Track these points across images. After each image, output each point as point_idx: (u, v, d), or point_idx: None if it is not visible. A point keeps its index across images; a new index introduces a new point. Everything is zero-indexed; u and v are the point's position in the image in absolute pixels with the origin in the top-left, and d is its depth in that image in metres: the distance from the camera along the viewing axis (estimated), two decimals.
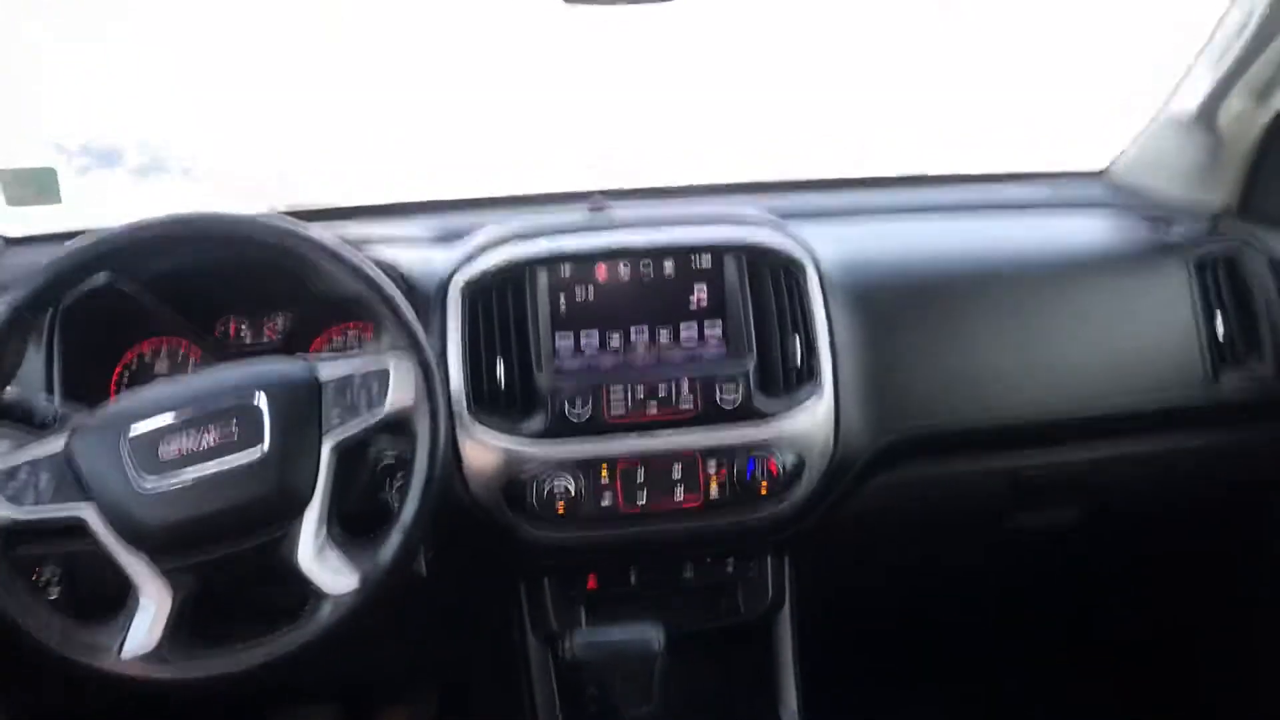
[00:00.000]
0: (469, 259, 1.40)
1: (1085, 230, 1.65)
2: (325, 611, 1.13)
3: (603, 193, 1.57)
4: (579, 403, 1.36)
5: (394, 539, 1.15)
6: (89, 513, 1.10)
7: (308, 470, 1.13)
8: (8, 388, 1.18)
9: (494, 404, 1.37)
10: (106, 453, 1.10)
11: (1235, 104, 1.56)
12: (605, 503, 1.37)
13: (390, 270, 1.37)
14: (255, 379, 1.15)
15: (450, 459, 1.31)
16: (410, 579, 1.19)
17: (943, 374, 1.48)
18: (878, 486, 1.49)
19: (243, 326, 1.50)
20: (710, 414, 1.38)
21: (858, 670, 1.79)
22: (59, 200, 1.52)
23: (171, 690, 1.12)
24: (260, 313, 1.50)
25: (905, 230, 1.65)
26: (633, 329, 1.41)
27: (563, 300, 1.40)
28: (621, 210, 1.50)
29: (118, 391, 1.46)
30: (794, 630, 1.54)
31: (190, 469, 1.10)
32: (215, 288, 1.44)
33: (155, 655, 1.11)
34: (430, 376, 1.16)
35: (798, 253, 1.44)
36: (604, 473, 1.37)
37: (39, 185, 1.52)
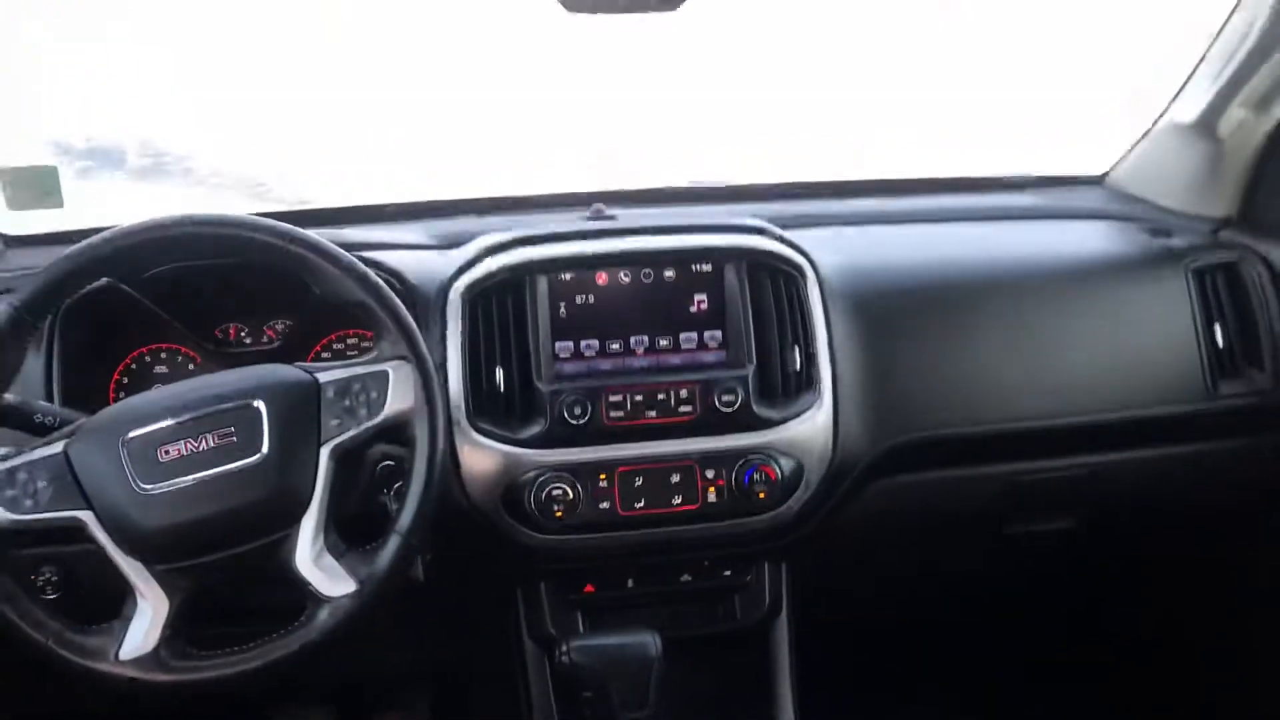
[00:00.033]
0: (469, 264, 1.40)
1: (1085, 238, 1.65)
2: (322, 616, 1.13)
3: (603, 196, 1.58)
4: (578, 408, 1.36)
5: (392, 544, 1.15)
6: (87, 517, 1.10)
7: (306, 475, 1.13)
8: (7, 391, 1.17)
9: (493, 409, 1.37)
10: (105, 457, 1.10)
11: (1236, 114, 1.57)
12: (603, 508, 1.37)
13: (390, 275, 1.37)
14: (254, 384, 1.15)
15: (449, 464, 1.31)
16: (408, 583, 1.19)
17: (941, 381, 1.48)
18: (876, 493, 1.49)
19: (242, 331, 1.50)
20: (709, 420, 1.38)
21: (855, 676, 1.79)
22: (61, 204, 1.52)
23: (168, 693, 1.12)
24: (260, 317, 1.50)
25: (905, 238, 1.65)
26: (632, 335, 1.41)
27: (563, 306, 1.40)
28: (622, 216, 1.50)
29: (117, 395, 1.46)
30: (791, 636, 1.54)
31: (189, 473, 1.10)
32: (215, 292, 1.44)
33: (152, 658, 1.11)
34: (429, 382, 1.17)
35: (797, 260, 1.44)
36: (602, 479, 1.37)
37: (41, 186, 1.52)
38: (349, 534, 1.17)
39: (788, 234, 1.47)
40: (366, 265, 1.19)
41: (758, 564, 1.52)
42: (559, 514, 1.35)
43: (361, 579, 1.14)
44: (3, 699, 1.56)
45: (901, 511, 1.54)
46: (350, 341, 1.51)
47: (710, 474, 1.39)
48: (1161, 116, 1.72)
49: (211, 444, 1.11)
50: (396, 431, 1.17)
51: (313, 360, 1.49)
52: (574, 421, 1.36)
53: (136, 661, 1.10)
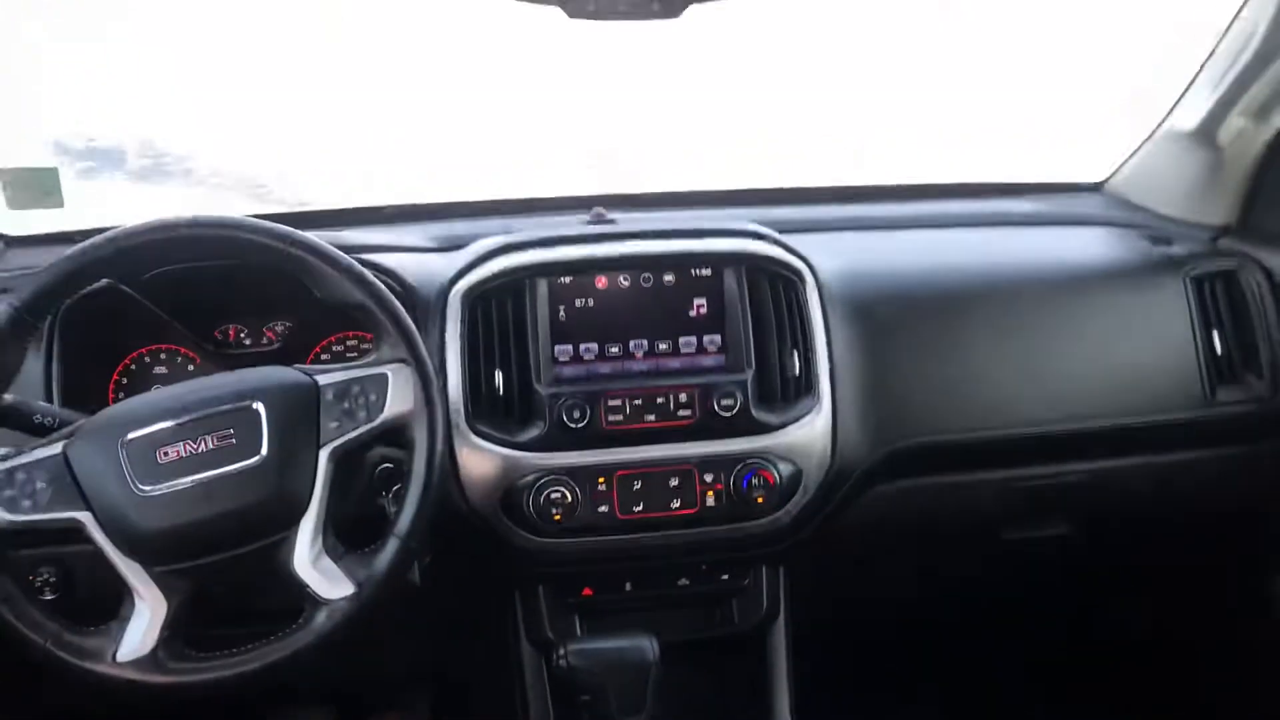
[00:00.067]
0: (469, 267, 1.40)
1: (1084, 245, 1.65)
2: (320, 618, 1.13)
3: (603, 199, 1.58)
4: (577, 412, 1.36)
5: (390, 546, 1.15)
6: (86, 518, 1.10)
7: (305, 477, 1.13)
8: (6, 392, 1.17)
9: (492, 412, 1.38)
10: (104, 458, 1.10)
11: (1235, 122, 1.57)
12: (602, 512, 1.37)
13: (390, 278, 1.37)
14: (254, 385, 1.15)
15: (448, 467, 1.31)
16: (405, 588, 1.19)
17: (940, 387, 1.48)
18: (874, 498, 1.49)
19: (242, 332, 1.50)
20: (708, 425, 1.38)
21: (852, 681, 1.79)
22: (61, 204, 1.52)
23: (166, 695, 1.12)
24: (260, 318, 1.50)
25: (904, 243, 1.65)
26: (632, 339, 1.42)
27: (562, 310, 1.41)
28: (622, 220, 1.51)
29: (116, 396, 1.47)
30: (788, 641, 1.54)
31: (188, 475, 1.10)
32: (215, 292, 1.44)
33: (150, 660, 1.10)
34: (429, 385, 1.17)
35: (797, 265, 1.44)
36: (601, 482, 1.37)
37: (41, 187, 1.52)
38: (347, 536, 1.17)
39: (787, 239, 1.47)
40: (366, 267, 1.19)
41: (755, 568, 1.52)
42: (557, 517, 1.35)
43: (360, 581, 1.14)
44: (2, 699, 1.56)
45: (900, 517, 1.54)
46: (350, 344, 1.51)
47: (709, 478, 1.39)
48: (1161, 124, 1.73)
49: (211, 446, 1.11)
50: (396, 434, 1.17)
51: (312, 362, 1.49)
52: (573, 425, 1.36)
53: (134, 663, 1.10)
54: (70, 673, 1.10)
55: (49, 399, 1.36)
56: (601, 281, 1.42)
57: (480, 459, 1.35)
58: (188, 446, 1.10)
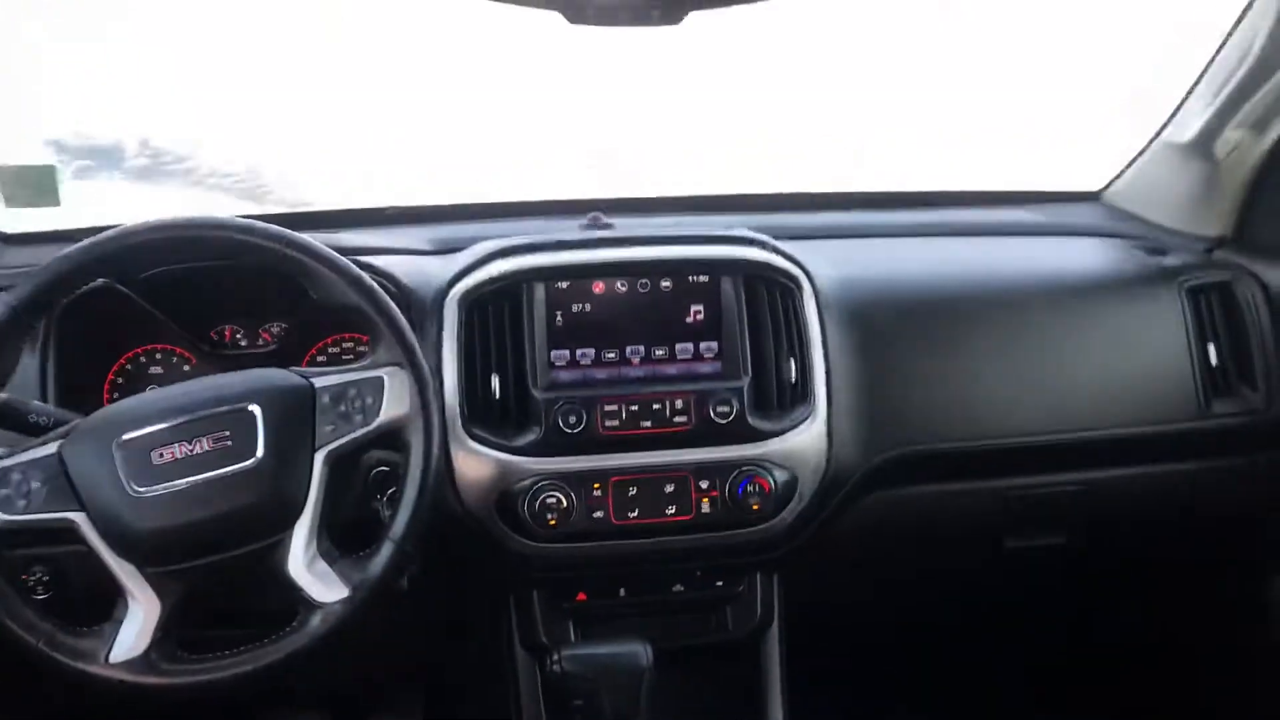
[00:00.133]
0: (466, 271, 1.40)
1: (1080, 255, 1.66)
2: (314, 621, 1.13)
3: (601, 204, 1.58)
4: (573, 417, 1.36)
5: (385, 550, 1.15)
6: (80, 518, 1.09)
7: (300, 480, 1.13)
8: (1, 391, 1.17)
9: (488, 416, 1.37)
10: (99, 458, 1.10)
11: (1232, 134, 1.57)
12: (597, 517, 1.37)
13: (387, 280, 1.37)
14: (250, 387, 1.15)
15: (443, 471, 1.31)
16: (394, 592, 1.19)
17: (936, 395, 1.49)
18: (869, 505, 1.49)
19: (238, 333, 1.50)
20: (704, 431, 1.38)
21: (846, 688, 1.79)
22: (58, 203, 1.52)
23: (159, 696, 1.12)
24: (256, 320, 1.50)
25: (901, 251, 1.66)
26: (628, 345, 1.42)
27: (559, 314, 1.40)
28: (620, 225, 1.51)
29: (112, 396, 1.46)
30: (782, 648, 1.54)
31: (183, 476, 1.10)
32: (211, 293, 1.44)
33: (143, 661, 1.10)
34: (425, 388, 1.17)
35: (794, 272, 1.44)
36: (596, 488, 1.37)
37: (38, 185, 1.52)
38: (342, 540, 1.17)
39: (785, 246, 1.47)
40: (363, 270, 1.20)
41: (750, 575, 1.52)
42: (552, 522, 1.35)
43: (354, 585, 1.14)
44: (4, 698, 1.56)
45: (895, 525, 1.54)
46: (346, 346, 1.51)
47: (704, 485, 1.39)
48: (1158, 134, 1.73)
49: (206, 447, 1.11)
50: (391, 438, 1.17)
51: (308, 364, 1.49)
52: (569, 430, 1.36)
53: (127, 664, 1.10)
54: (63, 674, 1.10)
55: (44, 398, 1.36)
56: (599, 287, 1.42)
57: (476, 463, 1.35)
58: (183, 448, 1.10)
